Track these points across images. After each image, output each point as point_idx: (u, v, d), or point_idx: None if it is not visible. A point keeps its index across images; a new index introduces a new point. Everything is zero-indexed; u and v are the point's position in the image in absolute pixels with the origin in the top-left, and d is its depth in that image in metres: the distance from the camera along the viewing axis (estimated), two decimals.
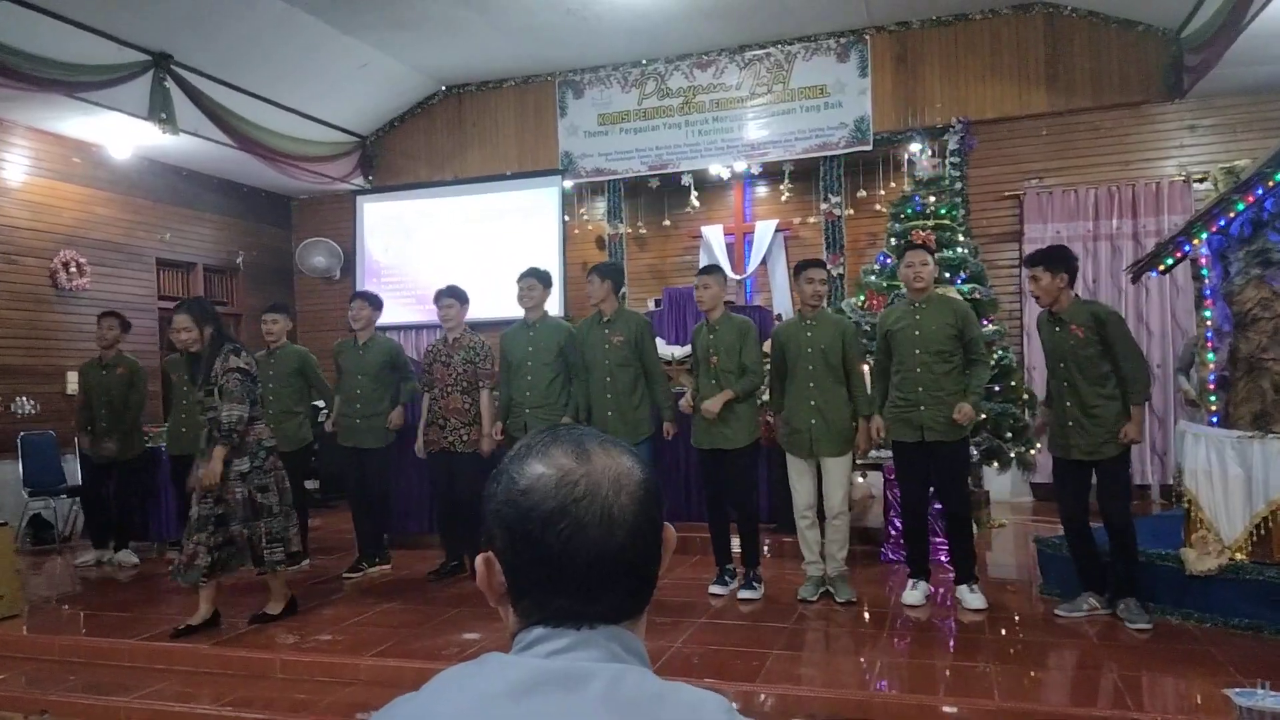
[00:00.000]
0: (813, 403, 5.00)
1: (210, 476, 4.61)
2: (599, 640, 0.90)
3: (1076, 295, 4.72)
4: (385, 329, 6.55)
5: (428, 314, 9.84)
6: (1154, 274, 5.39)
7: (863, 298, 7.43)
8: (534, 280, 5.67)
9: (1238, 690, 3.05)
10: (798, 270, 5.21)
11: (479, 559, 0.97)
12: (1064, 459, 4.64)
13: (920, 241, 7.35)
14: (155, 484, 7.28)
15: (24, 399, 6.65)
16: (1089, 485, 4.65)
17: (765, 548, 5.94)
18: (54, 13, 6.65)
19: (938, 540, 5.56)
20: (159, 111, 7.63)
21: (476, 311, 6.35)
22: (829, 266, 5.49)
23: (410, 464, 6.66)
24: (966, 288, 7.04)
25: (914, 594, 4.93)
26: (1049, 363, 4.74)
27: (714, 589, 5.29)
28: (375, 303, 6.28)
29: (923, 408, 4.76)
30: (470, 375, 5.82)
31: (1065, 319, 4.56)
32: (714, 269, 5.41)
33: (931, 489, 4.98)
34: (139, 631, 4.91)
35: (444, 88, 10.30)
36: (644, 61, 9.55)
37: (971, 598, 4.80)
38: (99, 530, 7.01)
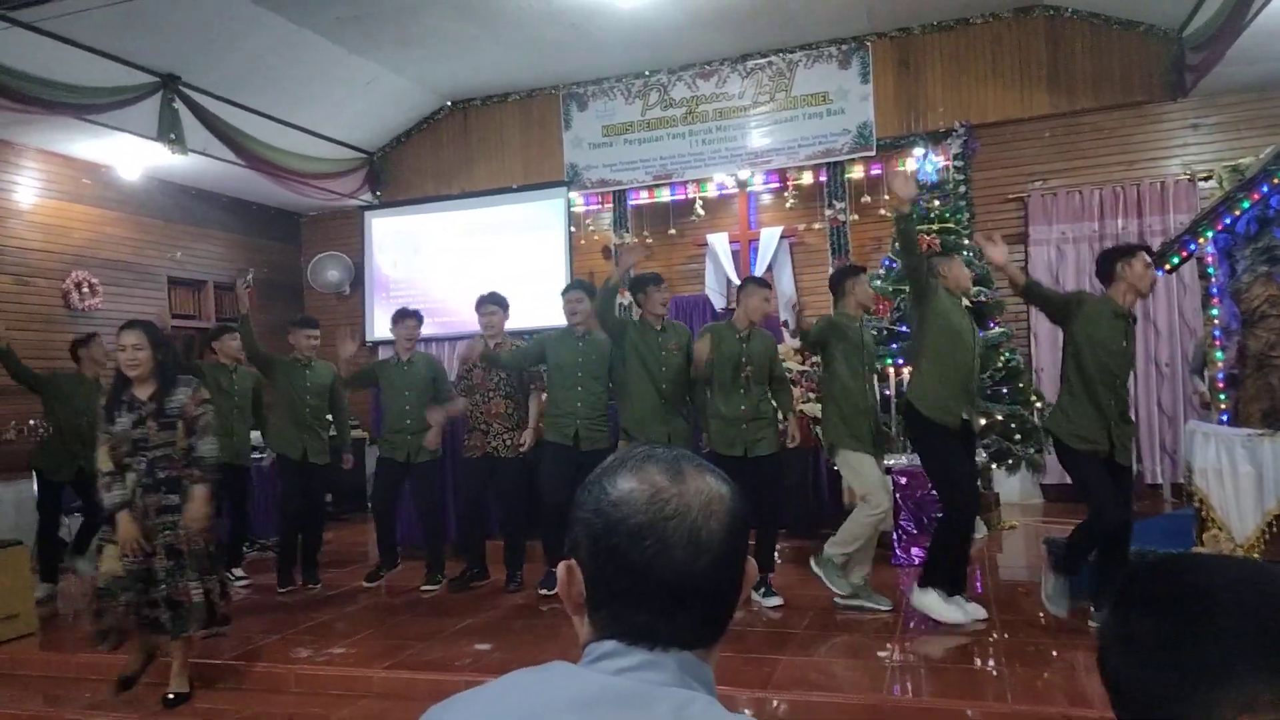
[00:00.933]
0: (870, 400, 5.08)
1: (199, 521, 4.06)
2: (669, 664, 0.90)
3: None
4: (392, 342, 6.57)
5: (439, 327, 9.92)
6: (1160, 273, 5.38)
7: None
8: (581, 293, 5.69)
9: None
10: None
11: (561, 566, 0.97)
12: (1107, 460, 4.38)
13: (928, 245, 7.38)
14: None
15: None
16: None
17: (777, 553, 5.93)
18: (62, 36, 6.74)
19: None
20: (168, 132, 7.71)
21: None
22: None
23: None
24: (973, 290, 7.03)
25: (958, 613, 4.69)
26: (1099, 356, 4.34)
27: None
28: (418, 317, 6.31)
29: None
30: (514, 380, 5.87)
31: (1133, 318, 4.46)
32: (764, 281, 5.49)
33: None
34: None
35: (449, 103, 10.37)
36: (647, 72, 9.61)
37: (973, 609, 4.75)
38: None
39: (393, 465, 6.09)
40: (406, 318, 6.22)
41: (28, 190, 8.17)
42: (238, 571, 6.59)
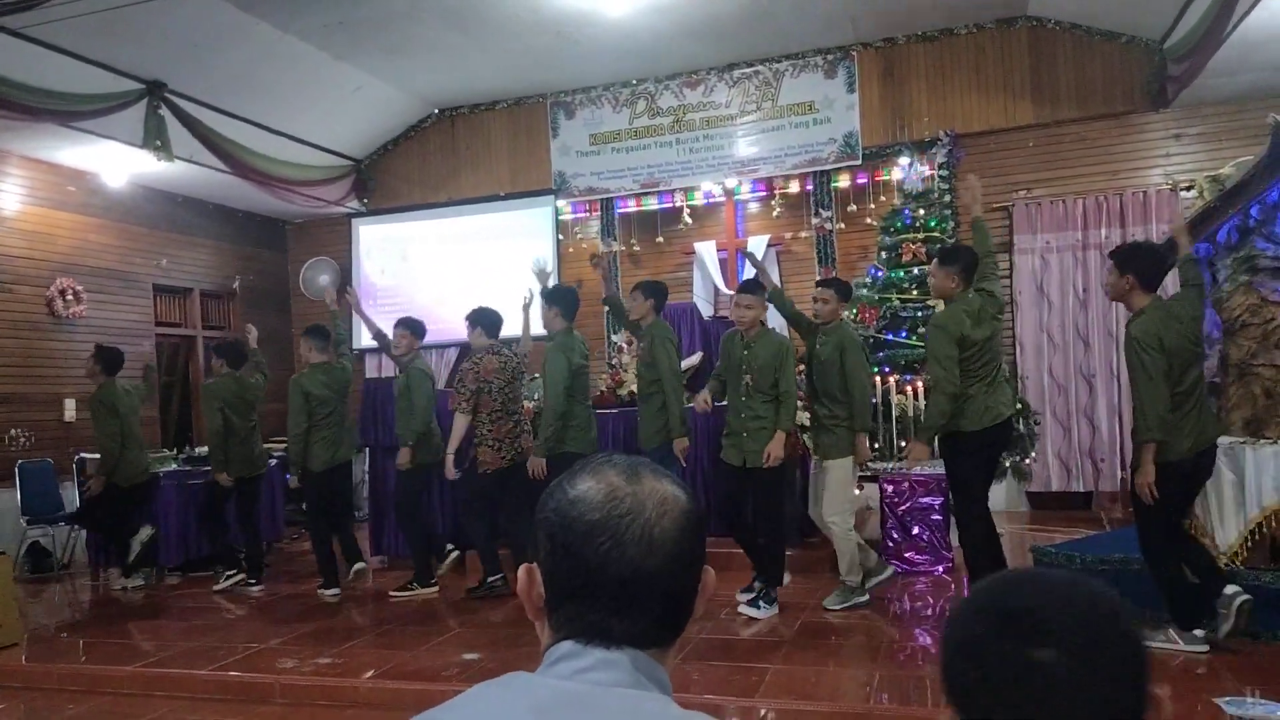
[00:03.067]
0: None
1: None
2: (623, 663, 0.91)
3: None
4: (376, 350, 6.62)
5: (427, 335, 9.88)
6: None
7: (854, 311, 7.47)
8: (554, 303, 5.81)
9: (1228, 699, 3.06)
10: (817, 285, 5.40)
11: (522, 568, 1.00)
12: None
13: (914, 254, 7.43)
14: (156, 508, 7.25)
15: (19, 430, 6.65)
16: None
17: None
18: (48, 43, 6.71)
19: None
20: (154, 139, 7.67)
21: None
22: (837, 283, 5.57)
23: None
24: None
25: None
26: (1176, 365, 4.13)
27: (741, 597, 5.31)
28: (416, 330, 6.31)
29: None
30: (514, 393, 5.90)
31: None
32: (755, 286, 5.38)
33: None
34: (137, 659, 4.91)
35: (437, 110, 10.37)
36: (634, 81, 9.63)
37: None
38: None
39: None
40: (397, 327, 6.30)
41: (12, 197, 8.12)
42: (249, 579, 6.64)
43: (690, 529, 0.97)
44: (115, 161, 8.38)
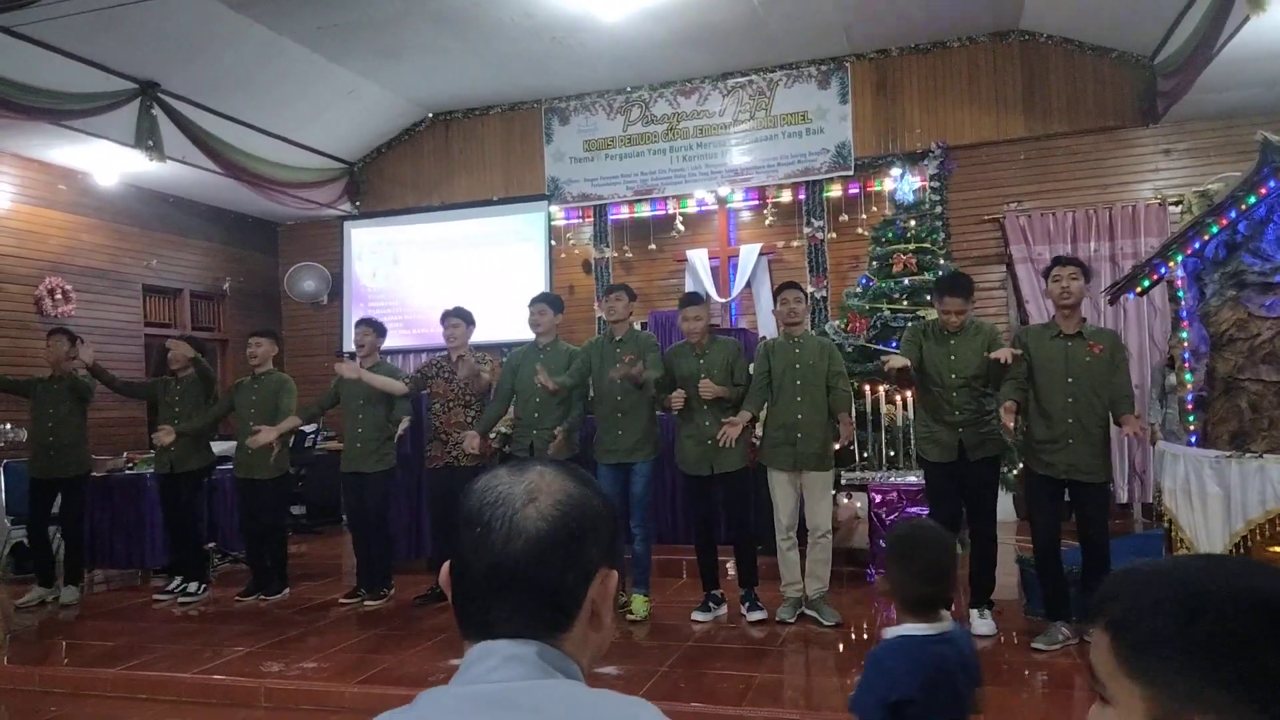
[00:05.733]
0: (799, 416, 5.05)
1: None
2: (529, 656, 0.91)
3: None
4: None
5: (416, 339, 9.90)
6: (1131, 295, 5.47)
7: (845, 320, 7.49)
8: (545, 305, 5.74)
9: None
10: (776, 292, 5.32)
11: (444, 565, 1.01)
12: (1049, 477, 4.61)
13: (904, 264, 7.45)
14: (141, 508, 7.21)
15: (7, 425, 6.60)
16: (1061, 505, 4.69)
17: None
18: (41, 41, 6.69)
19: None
20: (146, 139, 7.65)
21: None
22: (813, 290, 5.57)
23: (403, 489, 6.68)
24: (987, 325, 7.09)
25: (985, 623, 4.81)
26: (1042, 377, 4.63)
27: (697, 615, 5.25)
28: (379, 329, 6.30)
29: (961, 429, 4.78)
30: (474, 390, 5.90)
31: (1085, 335, 4.59)
32: (697, 298, 5.45)
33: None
34: (121, 661, 4.88)
35: (431, 115, 10.37)
36: (628, 89, 9.66)
37: (981, 623, 4.77)
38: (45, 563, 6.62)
39: (345, 478, 6.13)
40: (359, 325, 6.29)
41: (2, 195, 8.08)
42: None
43: (564, 519, 0.95)
44: (107, 161, 8.35)
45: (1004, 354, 4.52)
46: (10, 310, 8.06)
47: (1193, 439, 4.97)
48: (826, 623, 4.97)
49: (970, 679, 2.11)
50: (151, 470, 7.38)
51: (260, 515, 6.31)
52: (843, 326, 7.44)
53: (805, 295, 5.30)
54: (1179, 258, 4.99)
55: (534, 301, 5.77)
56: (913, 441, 5.38)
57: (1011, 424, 4.56)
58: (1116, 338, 4.88)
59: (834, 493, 5.41)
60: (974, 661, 2.15)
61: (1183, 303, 5.22)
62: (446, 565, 1.00)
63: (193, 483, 6.63)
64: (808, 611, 5.09)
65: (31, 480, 6.61)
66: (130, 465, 7.61)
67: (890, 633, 2.14)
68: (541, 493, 0.96)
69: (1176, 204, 7.91)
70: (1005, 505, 8.06)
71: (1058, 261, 4.74)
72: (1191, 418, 5.06)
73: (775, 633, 4.94)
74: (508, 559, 0.93)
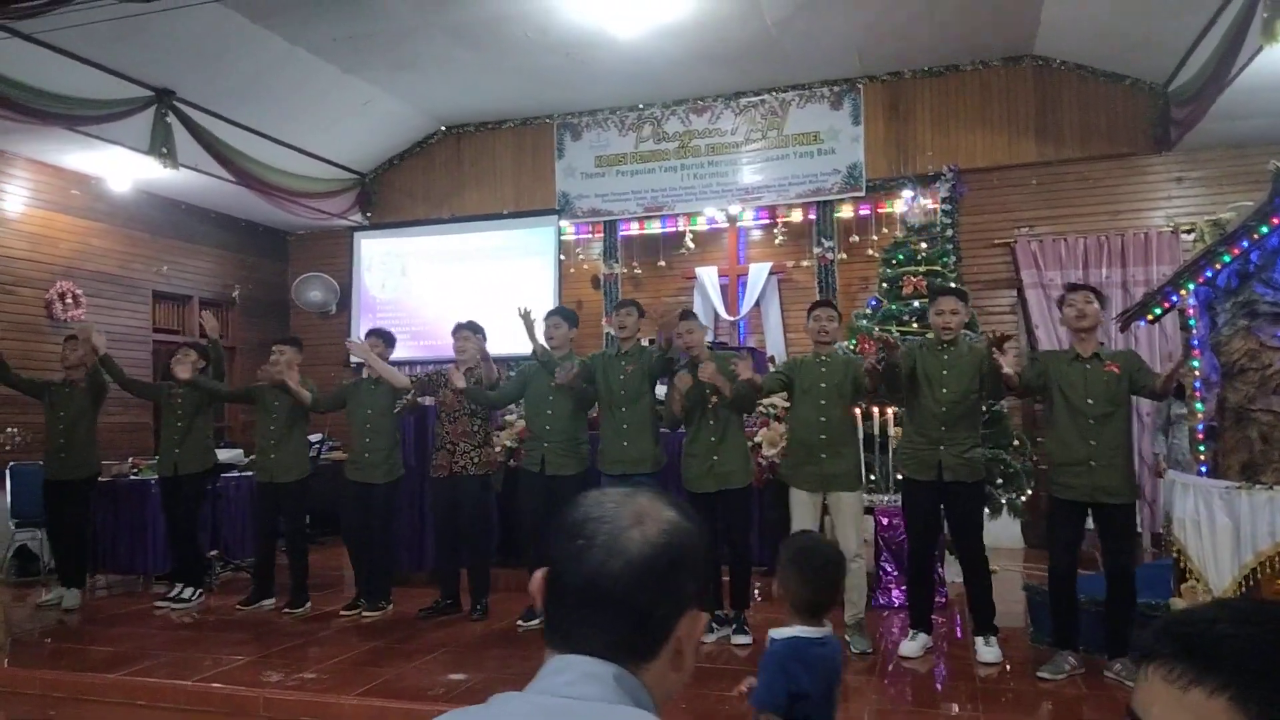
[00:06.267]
0: (822, 436, 5.01)
1: None
2: (605, 678, 0.91)
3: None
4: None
5: (424, 350, 9.90)
6: (1142, 323, 5.45)
7: (854, 341, 7.47)
8: (560, 319, 5.81)
9: None
10: (809, 310, 5.29)
11: (538, 572, 1.00)
12: (1071, 501, 4.50)
13: (914, 287, 7.44)
14: (145, 514, 7.20)
15: (13, 430, 6.62)
16: (1083, 533, 4.64)
17: (756, 590, 5.91)
18: (58, 47, 6.74)
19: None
20: (159, 146, 7.70)
21: None
22: (837, 306, 5.54)
23: (408, 500, 6.66)
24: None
25: (912, 645, 4.83)
26: (1061, 400, 4.57)
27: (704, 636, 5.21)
28: (388, 339, 6.32)
29: (942, 447, 4.74)
30: (486, 377, 5.90)
31: (1102, 357, 4.56)
32: (690, 313, 5.53)
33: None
34: (122, 666, 4.86)
35: (443, 127, 10.42)
36: (641, 105, 9.69)
37: (987, 650, 4.69)
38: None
39: (352, 487, 6.10)
40: (369, 335, 6.29)
41: (15, 199, 8.12)
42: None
43: (665, 546, 0.95)
44: (120, 167, 8.40)
45: (1007, 345, 4.51)
46: (22, 314, 8.09)
47: (1203, 469, 4.94)
48: (855, 650, 4.87)
49: (838, 679, 2.43)
50: (155, 476, 7.39)
51: (283, 520, 6.31)
52: (852, 348, 7.42)
53: (838, 314, 5.24)
54: (1191, 286, 4.98)
55: (549, 315, 5.85)
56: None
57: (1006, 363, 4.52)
58: (1133, 354, 4.85)
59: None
60: (840, 664, 2.44)
61: (1194, 331, 5.20)
62: (540, 573, 1.00)
63: (194, 485, 6.63)
64: (847, 637, 4.99)
65: (46, 483, 6.65)
66: (135, 471, 7.62)
67: (781, 634, 2.40)
68: (649, 518, 0.97)
69: (1189, 232, 7.90)
70: (1013, 532, 8.03)
71: (1071, 288, 4.74)
72: (1202, 447, 5.02)
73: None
74: (605, 577, 0.94)
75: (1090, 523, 4.59)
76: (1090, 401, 4.51)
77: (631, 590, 0.94)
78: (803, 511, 5.04)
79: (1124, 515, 4.50)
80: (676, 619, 0.97)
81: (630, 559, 0.94)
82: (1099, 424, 4.48)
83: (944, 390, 4.80)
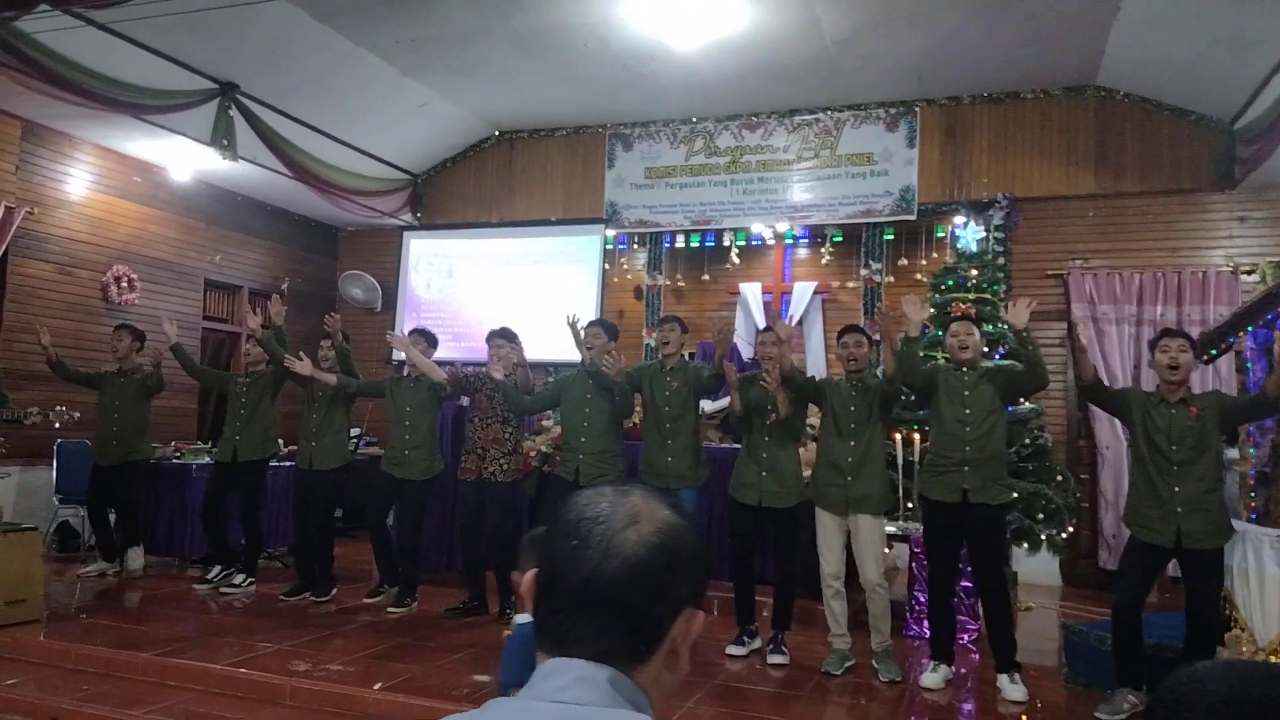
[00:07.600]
0: (850, 459, 4.96)
1: None
2: (600, 681, 0.90)
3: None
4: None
5: (465, 351, 9.95)
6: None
7: None
8: (600, 329, 5.87)
9: None
10: (838, 335, 5.28)
11: (528, 573, 1.01)
12: (1152, 545, 4.36)
13: (961, 313, 7.32)
14: (185, 498, 7.33)
15: (63, 408, 6.78)
16: (1157, 575, 4.52)
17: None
18: (129, 37, 6.91)
19: (963, 619, 5.44)
20: (221, 138, 7.85)
21: None
22: (867, 331, 5.52)
23: (440, 499, 6.71)
24: (1005, 364, 6.97)
25: (933, 677, 4.75)
26: (1145, 444, 4.45)
27: (732, 649, 5.21)
28: (431, 339, 6.39)
29: (966, 468, 4.67)
30: (512, 406, 5.95)
31: (1188, 402, 4.43)
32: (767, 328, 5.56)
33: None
34: (154, 646, 4.93)
35: (497, 132, 10.51)
36: (694, 119, 9.70)
37: (1012, 688, 4.58)
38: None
39: (387, 480, 6.19)
40: (412, 334, 6.35)
41: (79, 183, 8.33)
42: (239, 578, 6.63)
43: (660, 546, 0.94)
44: (182, 156, 8.58)
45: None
46: (79, 295, 8.28)
47: (1253, 516, 4.80)
48: (883, 678, 4.81)
49: None
50: (200, 461, 7.53)
51: (316, 508, 6.39)
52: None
53: (868, 340, 5.22)
54: (1249, 329, 4.86)
55: (590, 324, 5.90)
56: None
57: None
58: (1219, 394, 4.74)
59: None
60: None
61: (1250, 375, 5.07)
62: (530, 574, 0.99)
63: (255, 471, 6.75)
64: (875, 665, 4.94)
65: (95, 466, 7.01)
66: (179, 455, 7.75)
67: (522, 619, 2.66)
68: (644, 518, 0.95)
69: (1250, 273, 7.72)
70: (1051, 569, 7.86)
71: (1166, 334, 4.57)
72: (1253, 494, 4.89)
73: (808, 677, 4.84)
74: (599, 578, 0.92)
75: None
76: (1174, 448, 4.37)
77: (626, 591, 0.92)
78: (828, 535, 5.01)
79: (1212, 559, 4.32)
80: (672, 619, 0.96)
81: (626, 560, 0.92)
82: (1182, 470, 4.34)
83: (967, 411, 4.74)
